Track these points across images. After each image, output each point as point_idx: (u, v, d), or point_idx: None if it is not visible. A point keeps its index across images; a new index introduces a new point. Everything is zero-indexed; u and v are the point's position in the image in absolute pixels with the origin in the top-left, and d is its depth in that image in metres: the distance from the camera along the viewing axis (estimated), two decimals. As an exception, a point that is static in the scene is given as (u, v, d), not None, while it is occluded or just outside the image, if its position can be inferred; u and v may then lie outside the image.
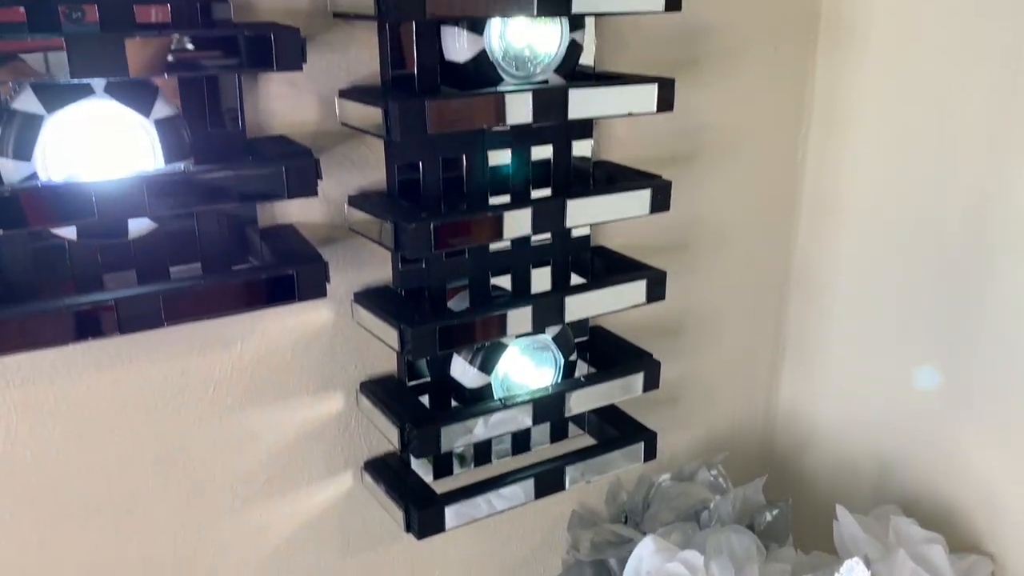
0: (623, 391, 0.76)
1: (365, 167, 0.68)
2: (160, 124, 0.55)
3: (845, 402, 0.94)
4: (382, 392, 0.72)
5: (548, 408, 0.72)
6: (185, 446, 0.67)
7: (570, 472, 0.75)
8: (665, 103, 0.69)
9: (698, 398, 0.95)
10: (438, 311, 0.70)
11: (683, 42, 0.80)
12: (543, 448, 0.82)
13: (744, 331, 0.96)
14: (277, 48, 0.54)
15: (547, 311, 0.69)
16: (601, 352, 0.82)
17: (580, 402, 0.73)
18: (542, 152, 0.72)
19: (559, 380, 0.76)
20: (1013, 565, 0.81)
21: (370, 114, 0.62)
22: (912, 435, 0.88)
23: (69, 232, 0.55)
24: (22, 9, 0.51)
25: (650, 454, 0.79)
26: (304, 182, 0.58)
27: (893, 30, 0.82)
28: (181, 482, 0.68)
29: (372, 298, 0.69)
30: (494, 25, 0.63)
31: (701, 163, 0.85)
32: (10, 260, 0.55)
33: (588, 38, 0.70)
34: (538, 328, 0.70)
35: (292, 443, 0.72)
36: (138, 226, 0.56)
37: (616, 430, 0.80)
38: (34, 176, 0.52)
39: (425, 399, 0.74)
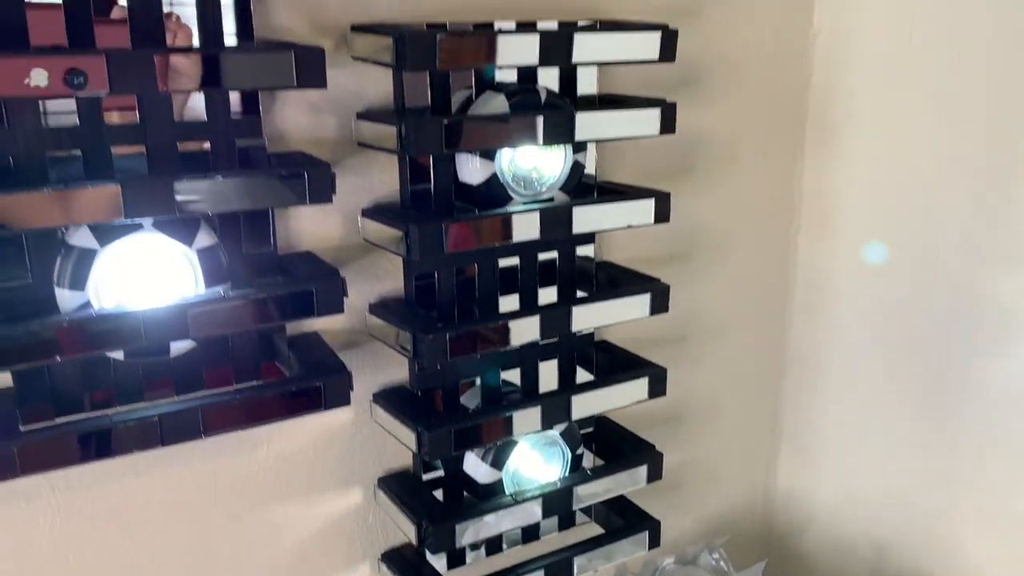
0: (628, 483, 0.80)
1: (385, 277, 0.73)
2: (201, 253, 0.60)
3: (841, 484, 0.98)
4: (398, 487, 0.76)
5: (557, 502, 0.76)
6: (216, 542, 0.71)
7: (578, 561, 0.78)
8: (661, 215, 0.74)
9: (699, 483, 0.99)
10: (452, 410, 0.74)
11: (678, 152, 0.86)
12: (552, 537, 0.85)
13: (742, 417, 1.00)
14: (310, 184, 0.59)
15: (555, 410, 0.74)
16: (606, 442, 0.86)
17: (587, 495, 0.77)
18: (549, 253, 0.77)
19: (567, 473, 0.80)
20: (1006, 647, 0.84)
21: (390, 233, 0.67)
22: (907, 517, 0.92)
23: (116, 353, 0.59)
24: (79, 152, 0.57)
25: (654, 542, 0.83)
26: (332, 301, 0.63)
27: (876, 131, 0.88)
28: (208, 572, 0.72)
29: (390, 399, 0.74)
30: (505, 152, 0.69)
31: (698, 261, 0.90)
32: (60, 375, 0.60)
33: (589, 155, 0.76)
34: (546, 426, 0.74)
35: (314, 536, 0.76)
36: (178, 346, 0.61)
37: (621, 519, 0.84)
38: (88, 305, 0.57)
39: (439, 493, 0.77)
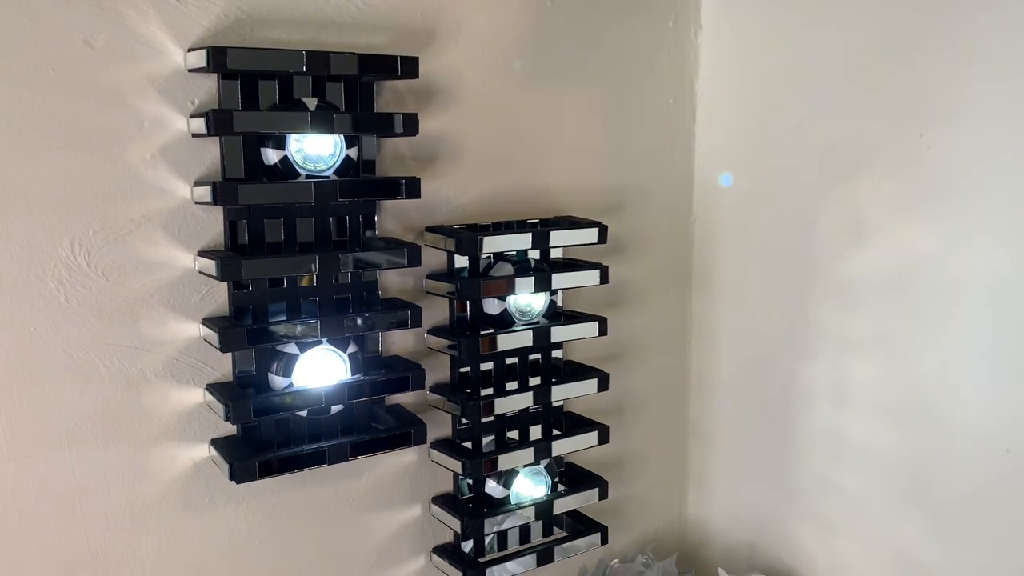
0: (587, 500, 1.27)
1: (442, 367, 1.22)
2: (350, 356, 1.08)
3: (727, 510, 1.46)
4: (445, 502, 1.22)
5: (543, 509, 1.23)
6: (336, 535, 1.16)
7: (557, 551, 1.25)
8: (603, 331, 1.24)
9: (636, 509, 1.46)
10: (479, 451, 1.21)
11: (612, 293, 1.37)
12: (538, 541, 1.31)
13: (662, 467, 1.48)
14: (412, 318, 1.09)
15: (541, 451, 1.22)
16: (571, 477, 1.33)
17: (561, 505, 1.25)
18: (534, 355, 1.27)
19: (549, 492, 1.27)
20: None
21: (445, 343, 1.16)
22: (767, 528, 1.40)
23: (303, 412, 1.07)
24: (283, 306, 1.06)
25: (604, 540, 1.29)
26: (418, 382, 1.11)
27: (733, 278, 1.40)
28: (338, 558, 1.16)
29: (441, 445, 1.21)
30: (512, 296, 1.19)
31: (626, 360, 1.41)
32: (263, 428, 1.06)
33: (560, 296, 1.27)
34: (536, 460, 1.22)
35: (392, 535, 1.21)
36: (335, 408, 1.08)
37: (583, 526, 1.30)
38: (291, 385, 1.05)
39: (470, 506, 1.24)
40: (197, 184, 1.01)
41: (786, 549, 1.37)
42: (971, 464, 1.13)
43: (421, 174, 1.15)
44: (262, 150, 1.02)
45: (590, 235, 1.22)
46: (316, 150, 1.03)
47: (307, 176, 1.03)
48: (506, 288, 1.16)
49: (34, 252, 0.94)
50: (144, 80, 0.97)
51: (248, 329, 1.00)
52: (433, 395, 1.20)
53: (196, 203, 1.01)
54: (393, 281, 1.16)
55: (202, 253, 1.02)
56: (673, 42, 1.38)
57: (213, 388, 1.04)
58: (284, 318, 1.05)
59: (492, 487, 1.23)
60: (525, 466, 1.24)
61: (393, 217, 1.15)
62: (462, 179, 1.20)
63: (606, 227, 1.22)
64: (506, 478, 1.23)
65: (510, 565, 1.21)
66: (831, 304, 1.26)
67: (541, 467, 1.26)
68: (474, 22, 1.18)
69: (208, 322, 1.03)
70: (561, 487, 1.30)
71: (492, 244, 1.14)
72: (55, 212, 0.94)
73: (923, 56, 1.12)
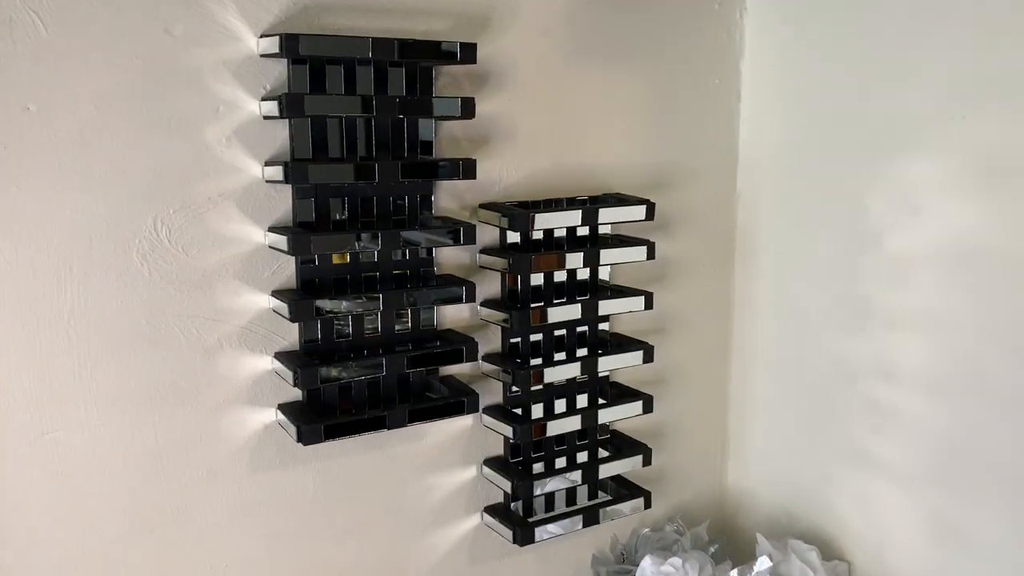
0: (632, 466, 1.33)
1: (494, 338, 1.27)
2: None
3: (766, 480, 1.51)
4: (496, 464, 1.29)
5: (589, 473, 1.29)
6: (398, 496, 1.23)
7: (601, 513, 1.31)
8: (649, 305, 1.29)
9: (676, 478, 1.51)
10: (529, 416, 1.27)
11: (658, 267, 1.41)
12: (584, 504, 1.38)
13: (702, 437, 1.53)
14: (466, 294, 1.14)
15: (588, 419, 1.27)
16: (616, 444, 1.39)
17: (607, 471, 1.31)
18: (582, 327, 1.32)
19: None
20: (861, 569, 1.36)
21: (497, 315, 1.22)
22: (806, 498, 1.44)
23: (363, 379, 1.13)
24: (347, 280, 1.12)
25: (648, 504, 1.35)
26: (472, 353, 1.17)
27: (775, 255, 1.44)
28: (397, 516, 1.24)
29: (493, 411, 1.27)
30: (558, 272, 1.24)
31: (670, 333, 1.45)
32: (327, 394, 1.13)
33: (606, 271, 1.32)
34: (583, 427, 1.28)
35: (448, 495, 1.28)
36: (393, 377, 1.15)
37: (627, 491, 1.36)
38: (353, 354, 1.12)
39: (519, 468, 1.30)
40: (268, 164, 1.07)
41: (825, 518, 1.42)
42: (1017, 440, 1.16)
43: (474, 154, 1.20)
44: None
45: (638, 212, 1.26)
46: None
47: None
48: (557, 263, 1.21)
49: (121, 230, 1.01)
50: (220, 65, 1.03)
51: (315, 302, 1.06)
52: (486, 364, 1.26)
53: (267, 182, 1.08)
54: (448, 256, 1.22)
55: (272, 229, 1.08)
56: (719, 24, 1.40)
57: (281, 356, 1.11)
58: (348, 291, 1.12)
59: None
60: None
61: (449, 194, 1.20)
62: (514, 159, 1.25)
63: (653, 204, 1.27)
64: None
65: (555, 526, 1.28)
66: (880, 280, 1.29)
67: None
68: (528, 7, 1.22)
69: (277, 294, 1.09)
70: (606, 453, 1.36)
71: (543, 221, 1.19)
72: (140, 192, 1.01)
73: (972, 34, 1.14)
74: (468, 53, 1.10)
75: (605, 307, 1.26)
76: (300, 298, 1.07)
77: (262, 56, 1.05)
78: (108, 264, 1.01)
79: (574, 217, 1.22)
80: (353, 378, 1.10)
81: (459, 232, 1.12)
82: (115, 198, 1.00)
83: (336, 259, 1.11)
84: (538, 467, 1.31)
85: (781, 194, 1.42)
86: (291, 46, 1.00)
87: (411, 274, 1.17)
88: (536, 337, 1.27)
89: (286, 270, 1.11)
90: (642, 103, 1.35)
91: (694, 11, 1.38)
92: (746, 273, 1.49)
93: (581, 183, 1.32)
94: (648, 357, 1.31)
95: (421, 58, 1.09)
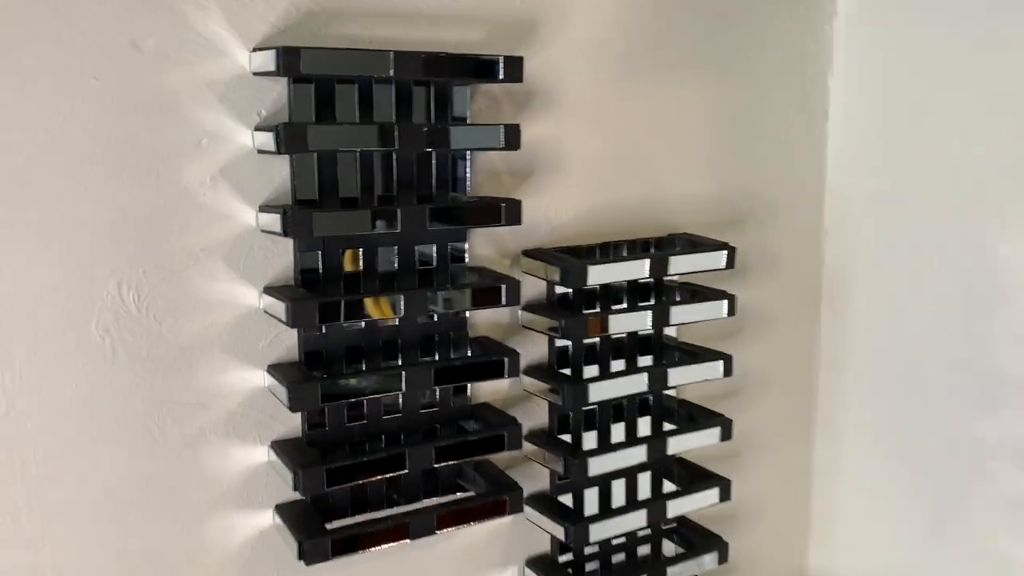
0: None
1: (537, 414, 1.05)
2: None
3: (855, 567, 1.27)
4: (542, 567, 1.06)
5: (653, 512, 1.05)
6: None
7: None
8: (728, 371, 1.06)
9: (749, 563, 1.28)
10: (581, 510, 1.05)
11: (734, 320, 1.18)
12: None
13: (781, 515, 1.30)
14: (509, 367, 0.92)
15: (656, 512, 1.05)
16: (685, 537, 1.15)
17: (675, 573, 1.08)
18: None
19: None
20: None
21: (544, 387, 1.00)
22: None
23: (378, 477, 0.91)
24: (360, 352, 0.90)
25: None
26: (514, 441, 0.95)
27: (871, 305, 1.21)
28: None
29: (538, 504, 1.04)
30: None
31: (744, 396, 1.22)
32: (336, 494, 0.91)
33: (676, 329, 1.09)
34: (648, 519, 1.05)
35: None
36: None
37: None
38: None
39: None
40: (263, 209, 0.86)
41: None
42: None
43: (517, 190, 0.99)
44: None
45: (718, 260, 1.04)
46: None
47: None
48: (617, 325, 0.99)
49: (75, 297, 0.79)
50: (202, 87, 0.82)
51: (322, 382, 0.84)
52: (529, 445, 1.04)
53: (262, 231, 0.86)
54: (484, 314, 1.00)
55: (268, 291, 0.87)
56: (804, 31, 1.18)
57: (279, 446, 0.89)
58: (362, 367, 0.90)
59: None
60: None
61: (486, 240, 0.99)
62: (563, 194, 1.03)
63: (734, 249, 1.04)
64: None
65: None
66: (1016, 340, 1.06)
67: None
68: (578, 13, 1.00)
69: (274, 371, 0.88)
70: (674, 548, 1.13)
71: (600, 274, 0.97)
72: (100, 248, 0.80)
73: None
74: (513, 69, 0.88)
75: (676, 376, 1.03)
76: (301, 380, 0.85)
77: (256, 75, 0.84)
78: (58, 340, 0.79)
79: (639, 268, 0.99)
80: (369, 479, 0.88)
81: (500, 292, 0.90)
82: (67, 256, 0.79)
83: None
84: (592, 566, 1.08)
85: (878, 230, 1.19)
86: (291, 62, 0.79)
87: (440, 339, 0.95)
88: (591, 408, 1.05)
89: (285, 340, 0.89)
90: (711, 125, 1.13)
91: (775, 17, 1.15)
92: (835, 325, 1.26)
93: (642, 222, 1.10)
94: (727, 434, 1.08)
95: (454, 76, 0.87)
